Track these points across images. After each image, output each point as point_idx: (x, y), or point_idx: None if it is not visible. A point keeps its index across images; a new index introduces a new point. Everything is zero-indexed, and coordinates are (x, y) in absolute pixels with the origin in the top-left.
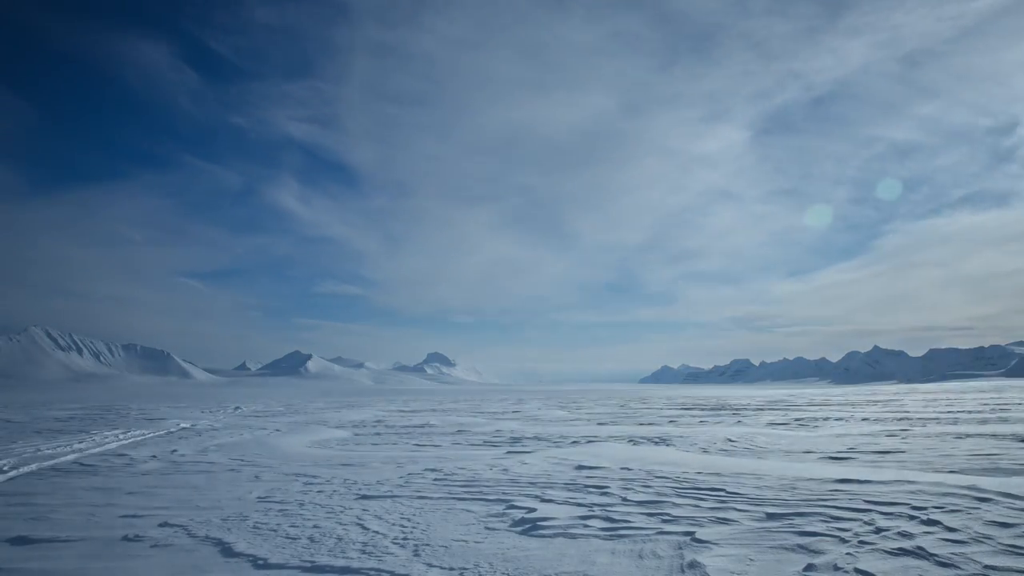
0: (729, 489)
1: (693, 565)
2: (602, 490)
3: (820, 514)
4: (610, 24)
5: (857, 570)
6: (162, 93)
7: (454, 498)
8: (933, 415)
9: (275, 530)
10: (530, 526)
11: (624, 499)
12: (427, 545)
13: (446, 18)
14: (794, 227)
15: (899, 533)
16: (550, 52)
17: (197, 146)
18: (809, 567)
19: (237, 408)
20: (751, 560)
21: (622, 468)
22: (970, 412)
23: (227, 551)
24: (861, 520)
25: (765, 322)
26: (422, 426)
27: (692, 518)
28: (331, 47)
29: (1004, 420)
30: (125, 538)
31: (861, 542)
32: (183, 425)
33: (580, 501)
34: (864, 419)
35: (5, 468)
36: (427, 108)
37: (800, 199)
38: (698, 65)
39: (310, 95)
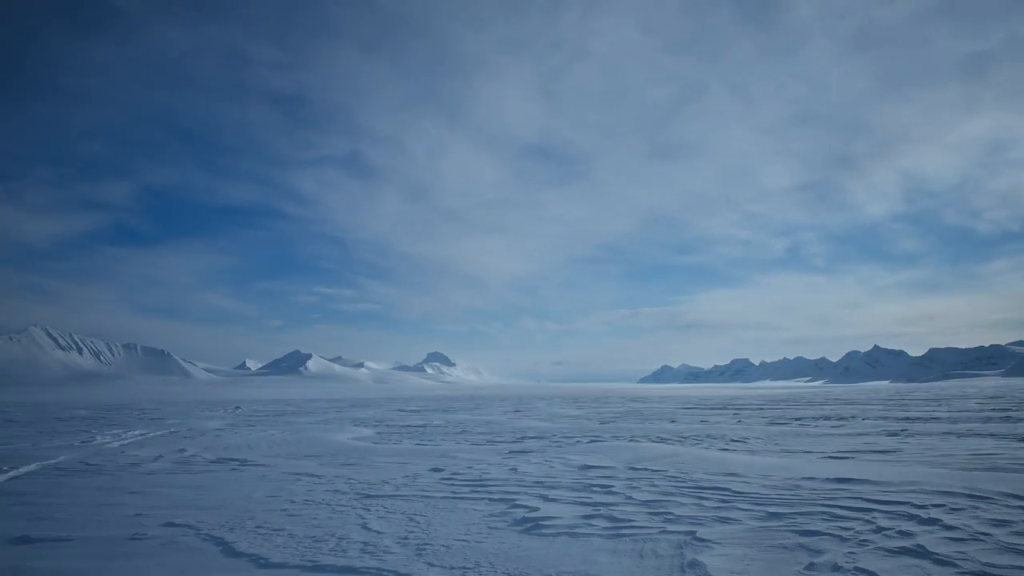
0: (730, 488)
1: (694, 564)
2: (605, 489)
3: (821, 513)
4: None
5: (858, 569)
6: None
7: (457, 497)
8: (933, 415)
9: (278, 530)
10: (532, 525)
11: (627, 498)
12: (429, 544)
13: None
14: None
15: (899, 532)
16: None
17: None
18: (810, 566)
19: (238, 408)
20: (752, 559)
21: (625, 467)
22: (970, 412)
23: (230, 551)
24: (862, 519)
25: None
26: (424, 426)
27: (694, 517)
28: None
29: (1004, 420)
30: (129, 537)
31: (862, 541)
32: (185, 424)
33: (583, 500)
34: (864, 419)
35: (8, 467)
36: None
37: None
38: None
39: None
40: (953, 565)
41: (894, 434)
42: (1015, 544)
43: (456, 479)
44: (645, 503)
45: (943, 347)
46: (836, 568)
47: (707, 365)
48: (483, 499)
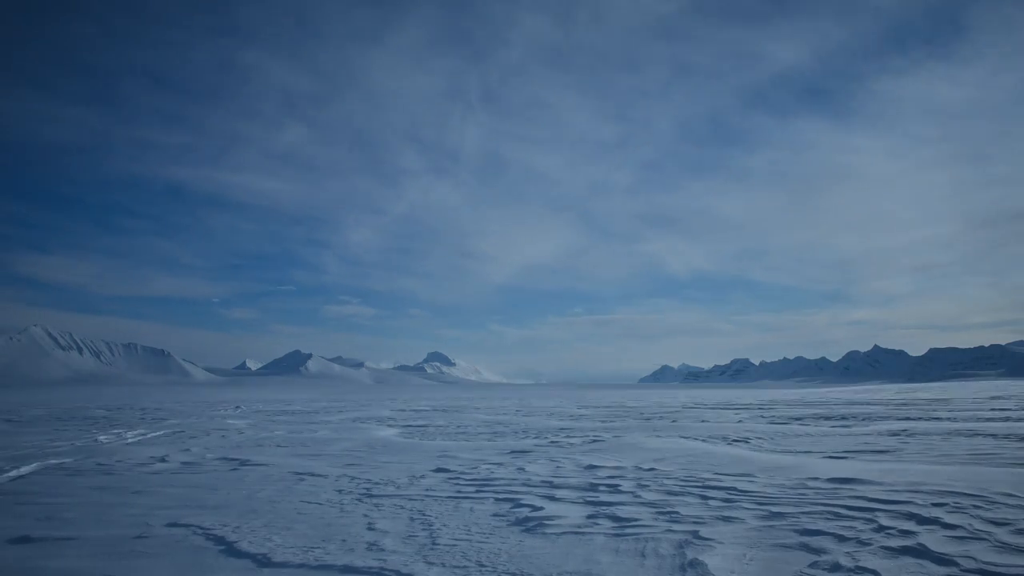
0: (734, 487)
1: (695, 564)
2: (609, 489)
3: (823, 512)
4: None
5: (859, 567)
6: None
7: (461, 497)
8: (934, 414)
9: (281, 529)
10: (536, 524)
11: (632, 497)
12: (431, 544)
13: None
14: None
15: (901, 531)
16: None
17: None
18: (812, 565)
19: (238, 408)
20: (754, 559)
21: (628, 467)
22: (970, 411)
23: (234, 550)
24: (864, 518)
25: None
26: (426, 425)
27: (698, 516)
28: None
29: (1004, 420)
30: (133, 537)
31: (864, 540)
32: (187, 424)
33: (587, 500)
34: (865, 418)
35: (10, 467)
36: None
37: None
38: None
39: None
40: (954, 564)
41: (895, 434)
42: (1016, 543)
43: (461, 479)
44: (649, 503)
45: (943, 347)
46: (837, 567)
47: (707, 365)
48: (487, 499)
